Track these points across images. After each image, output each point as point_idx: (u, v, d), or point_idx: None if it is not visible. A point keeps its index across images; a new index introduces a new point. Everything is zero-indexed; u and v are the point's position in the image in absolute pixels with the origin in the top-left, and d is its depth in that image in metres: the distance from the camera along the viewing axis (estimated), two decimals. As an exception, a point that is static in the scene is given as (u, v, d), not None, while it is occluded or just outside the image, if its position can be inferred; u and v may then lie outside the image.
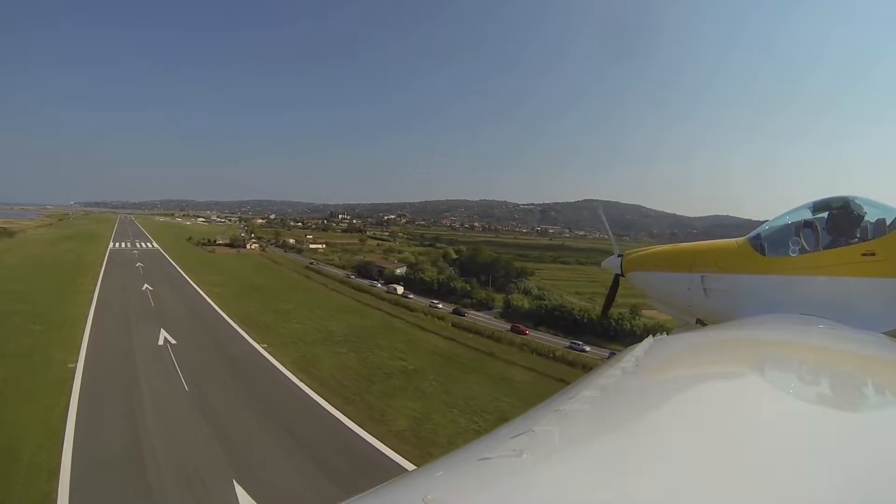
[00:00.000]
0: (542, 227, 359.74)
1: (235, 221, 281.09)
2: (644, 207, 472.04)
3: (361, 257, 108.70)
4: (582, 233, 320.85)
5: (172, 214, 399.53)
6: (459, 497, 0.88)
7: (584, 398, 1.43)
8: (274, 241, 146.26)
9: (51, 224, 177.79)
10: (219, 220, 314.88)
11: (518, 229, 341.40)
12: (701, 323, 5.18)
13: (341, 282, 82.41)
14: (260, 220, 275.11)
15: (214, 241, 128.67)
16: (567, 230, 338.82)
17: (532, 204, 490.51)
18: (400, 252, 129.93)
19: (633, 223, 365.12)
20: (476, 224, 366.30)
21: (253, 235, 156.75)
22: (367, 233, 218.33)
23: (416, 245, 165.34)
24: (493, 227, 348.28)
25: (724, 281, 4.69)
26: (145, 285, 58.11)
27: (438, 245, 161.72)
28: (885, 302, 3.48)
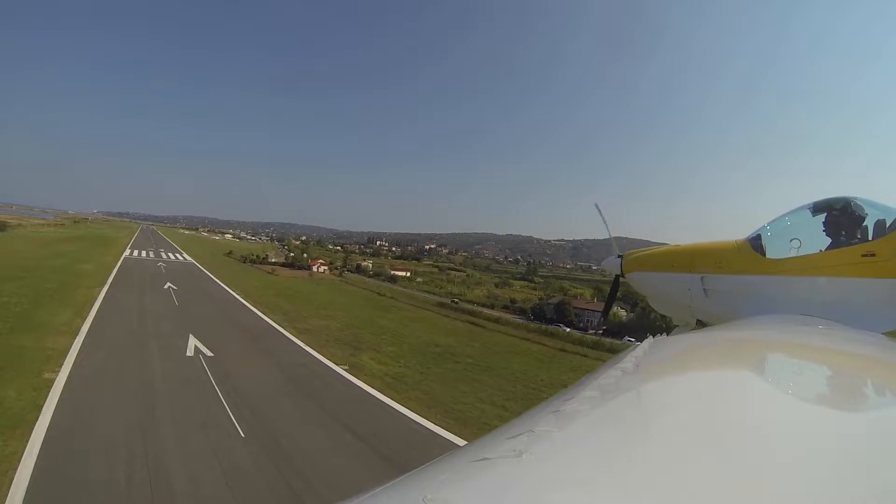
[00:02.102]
0: (577, 263, 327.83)
1: (267, 240, 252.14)
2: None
3: (499, 292, 74.39)
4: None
5: (197, 229, 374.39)
6: (459, 497, 0.85)
7: (583, 398, 1.40)
8: (343, 264, 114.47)
9: (62, 224, 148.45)
10: (250, 237, 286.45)
11: (562, 265, 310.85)
12: (701, 323, 5.09)
13: (546, 333, 49.80)
14: (295, 241, 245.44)
15: (266, 258, 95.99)
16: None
17: (562, 240, 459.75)
18: (513, 287, 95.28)
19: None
20: (519, 258, 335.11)
21: (306, 255, 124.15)
22: (424, 262, 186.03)
23: (513, 278, 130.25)
24: (534, 262, 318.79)
25: (725, 281, 4.62)
26: (192, 340, 23.26)
27: (537, 279, 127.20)
28: (886, 302, 3.44)
